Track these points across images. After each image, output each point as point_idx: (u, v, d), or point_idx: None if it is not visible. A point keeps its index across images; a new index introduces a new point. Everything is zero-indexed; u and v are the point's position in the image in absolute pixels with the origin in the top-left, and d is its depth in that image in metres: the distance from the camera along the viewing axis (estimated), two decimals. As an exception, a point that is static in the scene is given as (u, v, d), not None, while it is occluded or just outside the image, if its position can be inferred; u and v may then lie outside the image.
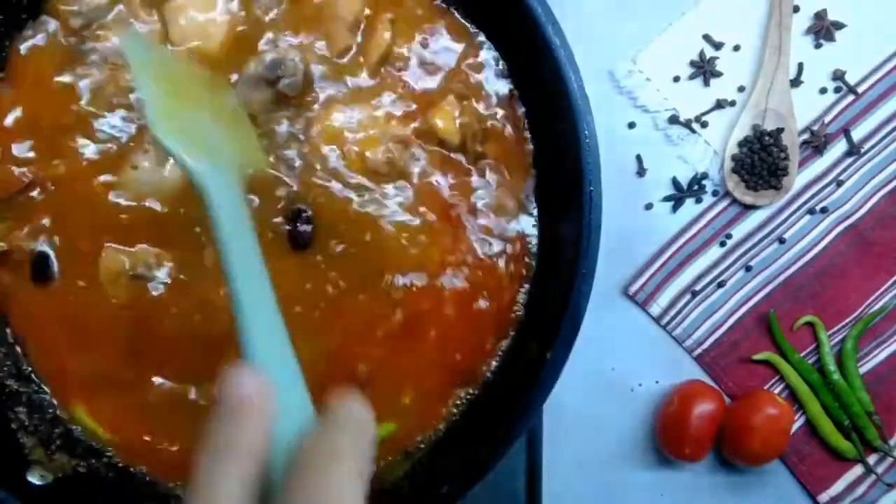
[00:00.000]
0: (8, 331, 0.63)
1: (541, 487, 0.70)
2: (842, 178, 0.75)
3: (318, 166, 0.62)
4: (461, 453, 0.62)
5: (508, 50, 0.64)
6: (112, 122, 0.61)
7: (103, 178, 0.61)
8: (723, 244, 0.75)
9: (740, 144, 0.75)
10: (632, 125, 0.76)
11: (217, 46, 0.61)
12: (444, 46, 0.64)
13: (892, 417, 0.74)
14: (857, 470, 0.75)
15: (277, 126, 0.61)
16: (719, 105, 0.76)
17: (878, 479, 0.74)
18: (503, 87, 0.65)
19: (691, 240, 0.75)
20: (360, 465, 0.35)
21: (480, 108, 0.64)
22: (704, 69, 0.76)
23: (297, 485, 0.34)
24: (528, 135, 0.65)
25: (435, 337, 0.63)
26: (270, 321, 0.40)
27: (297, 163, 0.61)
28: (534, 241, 0.65)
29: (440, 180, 0.63)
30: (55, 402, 0.63)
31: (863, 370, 0.75)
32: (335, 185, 0.62)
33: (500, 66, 0.65)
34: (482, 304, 0.63)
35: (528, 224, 0.65)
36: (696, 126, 0.76)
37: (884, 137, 0.76)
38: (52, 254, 0.62)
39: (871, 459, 0.74)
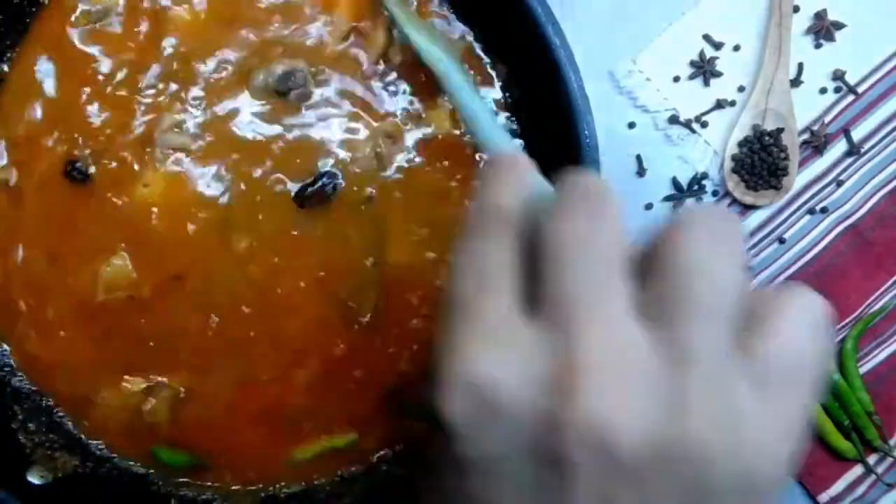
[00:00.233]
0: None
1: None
2: (842, 178, 0.75)
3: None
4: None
5: (507, 50, 0.64)
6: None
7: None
8: (723, 244, 0.75)
9: (740, 144, 0.75)
10: (632, 125, 0.76)
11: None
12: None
13: (892, 417, 0.74)
14: (857, 470, 0.75)
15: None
16: (719, 105, 0.76)
17: (878, 479, 0.74)
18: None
19: (691, 240, 0.75)
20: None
21: None
22: (704, 69, 0.76)
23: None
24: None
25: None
26: (495, 124, 0.51)
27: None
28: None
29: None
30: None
31: (863, 370, 0.75)
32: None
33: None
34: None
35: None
36: (696, 126, 0.76)
37: (884, 137, 0.76)
38: None
39: (871, 459, 0.74)
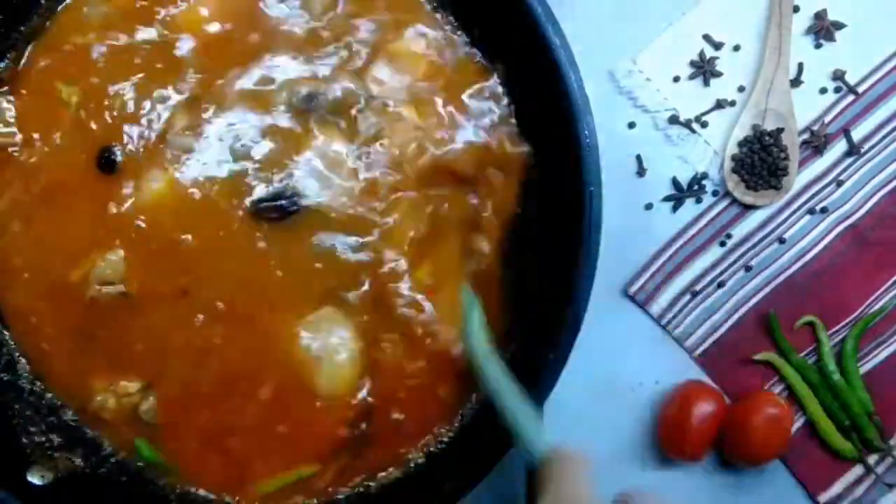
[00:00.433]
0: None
1: (541, 487, 0.70)
2: (842, 178, 0.75)
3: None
4: (462, 453, 0.63)
5: (508, 50, 0.64)
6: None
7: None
8: (723, 244, 0.75)
9: (740, 144, 0.75)
10: (632, 125, 0.76)
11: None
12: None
13: (892, 417, 0.74)
14: (857, 470, 0.75)
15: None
16: (719, 105, 0.76)
17: (878, 479, 0.74)
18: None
19: (691, 240, 0.75)
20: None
21: None
22: (704, 69, 0.76)
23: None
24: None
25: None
26: (525, 408, 0.56)
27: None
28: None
29: None
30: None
31: (863, 370, 0.75)
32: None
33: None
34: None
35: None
36: (696, 126, 0.76)
37: (884, 137, 0.76)
38: None
39: (871, 459, 0.74)
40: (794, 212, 0.75)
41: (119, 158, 0.62)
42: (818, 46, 0.76)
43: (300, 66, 0.63)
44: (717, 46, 0.76)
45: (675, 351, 0.75)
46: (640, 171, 0.76)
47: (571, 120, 0.58)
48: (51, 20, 0.64)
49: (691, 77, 0.76)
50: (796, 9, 0.75)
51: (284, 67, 0.63)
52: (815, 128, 0.75)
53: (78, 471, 0.62)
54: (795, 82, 0.75)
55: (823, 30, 0.75)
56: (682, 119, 0.76)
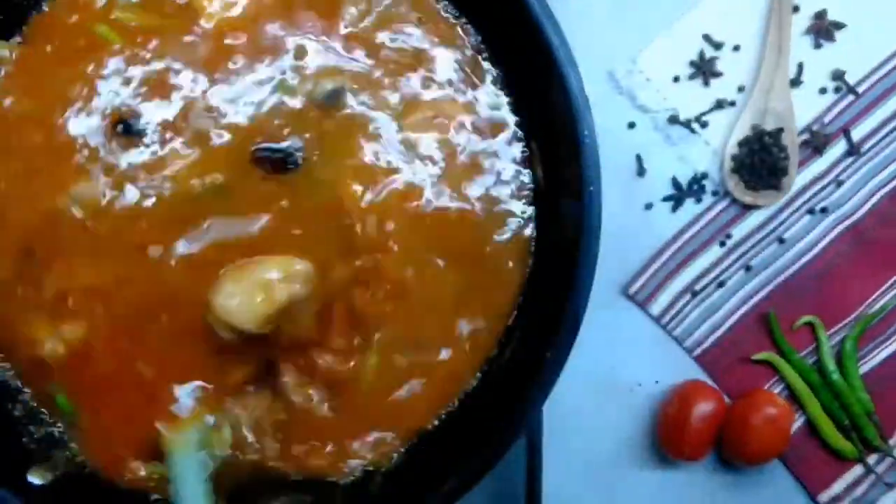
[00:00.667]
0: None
1: (541, 488, 0.70)
2: (842, 178, 0.75)
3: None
4: (461, 453, 0.62)
5: (508, 50, 0.64)
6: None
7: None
8: (723, 244, 0.75)
9: (740, 144, 0.75)
10: (632, 125, 0.76)
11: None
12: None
13: (892, 417, 0.74)
14: (857, 470, 0.75)
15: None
16: (719, 105, 0.76)
17: (878, 479, 0.74)
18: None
19: (691, 240, 0.75)
20: None
21: None
22: (704, 69, 0.76)
23: None
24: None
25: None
26: None
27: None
28: (532, 242, 0.65)
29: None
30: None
31: (863, 370, 0.75)
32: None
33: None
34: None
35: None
36: (696, 126, 0.76)
37: (884, 137, 0.76)
38: None
39: (871, 459, 0.74)
40: (794, 212, 0.75)
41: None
42: (818, 46, 0.76)
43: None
44: (717, 46, 0.76)
45: (675, 351, 0.76)
46: (640, 171, 0.76)
47: (571, 120, 0.58)
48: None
49: (691, 77, 0.76)
50: (796, 9, 0.75)
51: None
52: (815, 128, 0.75)
53: (78, 471, 0.62)
54: (795, 82, 0.75)
55: (823, 30, 0.76)
56: (681, 119, 0.76)
